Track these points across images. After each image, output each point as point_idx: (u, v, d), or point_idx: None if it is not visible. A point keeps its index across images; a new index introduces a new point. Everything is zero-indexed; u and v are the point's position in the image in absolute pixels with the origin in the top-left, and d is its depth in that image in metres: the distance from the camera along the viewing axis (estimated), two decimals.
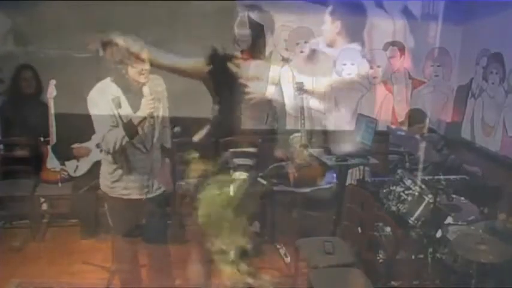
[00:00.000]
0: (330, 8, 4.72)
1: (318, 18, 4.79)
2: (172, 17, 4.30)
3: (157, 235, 3.14)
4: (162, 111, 2.94)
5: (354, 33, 4.86)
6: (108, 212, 3.05)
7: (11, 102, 4.37)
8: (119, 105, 2.75)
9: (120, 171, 2.88)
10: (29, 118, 4.24)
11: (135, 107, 2.77)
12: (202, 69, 3.89)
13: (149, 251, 3.15)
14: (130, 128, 2.74)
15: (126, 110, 2.77)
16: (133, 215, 3.02)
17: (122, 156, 2.85)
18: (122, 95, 2.76)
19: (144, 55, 2.71)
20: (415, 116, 4.60)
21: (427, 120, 4.47)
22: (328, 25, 4.73)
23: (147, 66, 2.73)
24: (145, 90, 2.73)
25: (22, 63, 4.29)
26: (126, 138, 2.74)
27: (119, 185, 2.91)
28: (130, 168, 2.87)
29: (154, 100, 2.77)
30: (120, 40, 2.68)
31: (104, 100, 2.74)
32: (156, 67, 3.05)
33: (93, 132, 4.06)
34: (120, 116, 2.76)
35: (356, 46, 4.93)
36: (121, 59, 2.67)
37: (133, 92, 2.77)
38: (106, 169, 2.93)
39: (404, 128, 4.64)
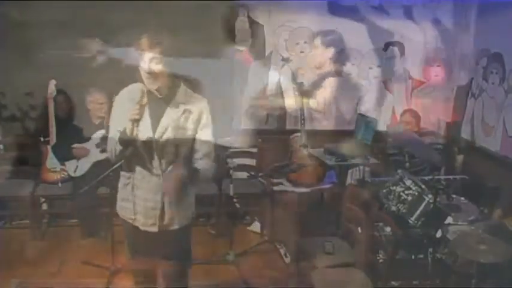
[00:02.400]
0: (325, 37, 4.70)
1: (318, 18, 4.80)
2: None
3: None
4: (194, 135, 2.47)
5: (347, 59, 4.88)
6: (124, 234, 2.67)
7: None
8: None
9: (128, 189, 2.51)
10: (64, 142, 4.18)
11: (156, 119, 2.40)
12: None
13: None
14: (125, 137, 2.34)
15: (143, 121, 2.38)
16: (143, 246, 2.56)
17: (130, 173, 2.49)
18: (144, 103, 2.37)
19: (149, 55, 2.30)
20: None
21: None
22: (320, 50, 4.71)
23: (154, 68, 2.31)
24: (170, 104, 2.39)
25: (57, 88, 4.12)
26: (119, 147, 2.36)
27: (126, 206, 2.53)
28: (137, 189, 2.48)
29: (176, 119, 2.40)
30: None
31: (124, 103, 2.42)
32: None
33: (93, 132, 4.17)
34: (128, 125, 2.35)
35: (356, 46, 4.93)
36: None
37: (156, 104, 2.39)
38: (120, 183, 2.58)
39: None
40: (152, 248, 2.54)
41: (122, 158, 2.44)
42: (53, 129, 4.07)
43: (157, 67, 2.31)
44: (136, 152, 2.41)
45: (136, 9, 4.24)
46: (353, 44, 4.92)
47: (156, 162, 2.42)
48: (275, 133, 4.91)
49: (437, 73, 5.10)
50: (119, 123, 2.38)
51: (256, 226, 4.49)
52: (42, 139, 4.18)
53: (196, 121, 2.45)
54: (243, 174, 4.46)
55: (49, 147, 4.16)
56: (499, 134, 4.29)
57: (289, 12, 4.76)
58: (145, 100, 2.36)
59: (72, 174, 4.17)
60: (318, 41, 4.75)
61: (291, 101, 4.90)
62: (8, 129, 4.48)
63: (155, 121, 2.40)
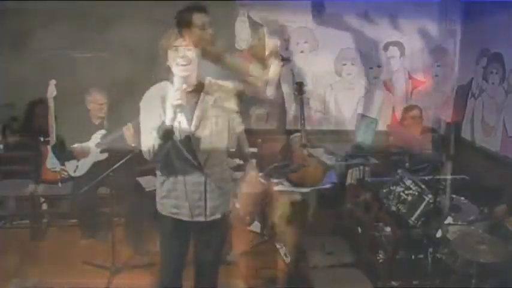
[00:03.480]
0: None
1: (319, 18, 4.81)
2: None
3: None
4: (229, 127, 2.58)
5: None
6: (159, 234, 2.69)
7: None
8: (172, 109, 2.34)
9: (168, 185, 2.54)
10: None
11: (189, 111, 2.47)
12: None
13: None
14: (165, 128, 2.33)
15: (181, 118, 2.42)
16: (183, 240, 2.63)
17: (169, 168, 2.52)
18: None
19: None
20: None
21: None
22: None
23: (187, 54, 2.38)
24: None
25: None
26: (158, 141, 2.36)
27: (168, 202, 2.56)
28: (179, 183, 2.51)
29: (208, 109, 2.48)
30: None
31: (154, 100, 2.46)
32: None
33: (93, 132, 4.17)
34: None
35: (356, 46, 4.93)
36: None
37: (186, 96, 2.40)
38: (157, 182, 2.62)
39: None
40: (197, 238, 2.65)
41: (161, 154, 2.44)
42: (53, 129, 4.07)
43: (189, 53, 2.39)
44: (175, 146, 2.45)
45: (137, 10, 4.25)
46: (353, 44, 4.92)
47: (194, 154, 2.48)
48: (275, 133, 4.91)
49: (437, 73, 5.11)
50: (152, 121, 2.39)
51: (256, 226, 4.49)
52: (42, 139, 4.18)
53: (227, 109, 2.56)
54: None
55: (49, 147, 4.16)
56: (499, 134, 4.29)
57: (290, 12, 4.76)
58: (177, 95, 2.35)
59: (72, 174, 4.16)
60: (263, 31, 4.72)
61: (291, 101, 4.90)
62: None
63: (189, 113, 2.46)
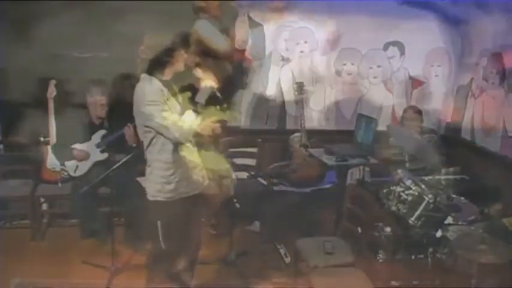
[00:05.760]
0: None
1: (319, 18, 4.80)
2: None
3: None
4: None
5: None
6: (162, 223, 2.89)
7: None
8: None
9: (180, 171, 2.83)
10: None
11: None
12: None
13: None
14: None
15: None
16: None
17: (174, 154, 2.81)
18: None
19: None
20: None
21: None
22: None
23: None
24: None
25: None
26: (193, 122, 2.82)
27: (181, 185, 2.85)
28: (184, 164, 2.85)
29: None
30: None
31: (161, 91, 2.77)
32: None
33: (93, 132, 4.17)
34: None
35: (356, 46, 4.93)
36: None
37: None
38: (162, 174, 2.83)
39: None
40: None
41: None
42: (53, 129, 4.07)
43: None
44: None
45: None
46: (353, 44, 4.92)
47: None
48: (275, 133, 4.91)
49: (437, 73, 5.11)
50: (172, 108, 2.78)
51: (256, 226, 4.49)
52: (42, 139, 4.18)
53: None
54: (243, 174, 4.45)
55: (49, 147, 4.16)
56: (499, 134, 4.29)
57: (290, 12, 4.76)
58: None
59: (72, 174, 4.16)
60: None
61: (291, 101, 4.90)
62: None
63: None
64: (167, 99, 2.77)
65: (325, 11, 4.75)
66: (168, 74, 2.80)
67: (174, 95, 2.85)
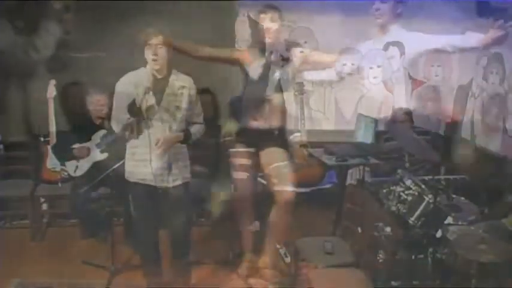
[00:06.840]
0: None
1: (319, 18, 4.80)
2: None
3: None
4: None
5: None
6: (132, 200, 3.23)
7: None
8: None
9: (140, 154, 3.09)
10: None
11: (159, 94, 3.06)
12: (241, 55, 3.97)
13: None
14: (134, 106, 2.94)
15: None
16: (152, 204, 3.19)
17: (138, 140, 3.09)
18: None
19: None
20: None
21: None
22: None
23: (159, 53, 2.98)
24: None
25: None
26: (128, 116, 2.98)
27: (140, 170, 3.11)
28: (149, 152, 3.04)
29: (174, 93, 3.09)
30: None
31: (129, 84, 3.04)
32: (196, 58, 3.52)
33: (93, 132, 4.17)
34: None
35: (356, 46, 4.93)
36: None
37: (158, 82, 3.06)
38: (128, 154, 3.17)
39: None
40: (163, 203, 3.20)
41: (127, 125, 3.04)
42: (53, 129, 4.07)
43: (160, 51, 3.00)
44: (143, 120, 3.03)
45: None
46: (353, 44, 4.91)
47: (159, 127, 3.06)
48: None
49: (437, 73, 5.10)
50: (125, 101, 2.97)
51: (256, 226, 4.48)
52: (42, 139, 4.18)
53: (189, 94, 3.16)
54: (243, 174, 4.44)
55: (49, 147, 4.16)
56: (499, 134, 4.29)
57: (290, 12, 4.76)
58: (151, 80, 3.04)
59: (72, 174, 4.17)
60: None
61: (291, 101, 4.89)
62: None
63: (159, 96, 3.06)
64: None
65: (325, 11, 4.76)
66: None
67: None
